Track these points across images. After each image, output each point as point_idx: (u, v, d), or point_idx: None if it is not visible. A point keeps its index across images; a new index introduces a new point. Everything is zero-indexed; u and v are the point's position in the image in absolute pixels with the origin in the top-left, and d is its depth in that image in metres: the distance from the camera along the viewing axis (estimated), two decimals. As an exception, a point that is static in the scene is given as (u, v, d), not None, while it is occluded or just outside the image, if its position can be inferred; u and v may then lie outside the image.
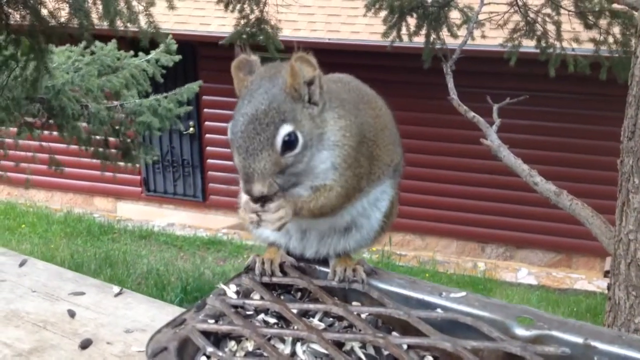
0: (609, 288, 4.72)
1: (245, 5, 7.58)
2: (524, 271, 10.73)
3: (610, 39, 7.24)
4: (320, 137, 1.31)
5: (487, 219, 10.80)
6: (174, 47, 7.36)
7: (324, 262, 1.50)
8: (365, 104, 1.48)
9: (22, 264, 2.10)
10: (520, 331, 1.21)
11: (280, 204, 1.30)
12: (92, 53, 7.54)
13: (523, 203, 10.23)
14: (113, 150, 7.77)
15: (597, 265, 10.63)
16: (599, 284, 10.15)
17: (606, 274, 10.00)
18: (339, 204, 1.37)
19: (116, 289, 1.96)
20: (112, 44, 7.70)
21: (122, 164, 7.86)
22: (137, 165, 8.83)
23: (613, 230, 4.65)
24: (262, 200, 1.29)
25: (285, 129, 1.26)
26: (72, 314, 1.84)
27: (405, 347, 1.23)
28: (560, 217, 8.08)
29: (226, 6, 7.62)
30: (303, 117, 1.28)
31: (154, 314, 1.82)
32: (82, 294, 1.93)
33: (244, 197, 1.36)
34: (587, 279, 10.46)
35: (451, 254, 11.22)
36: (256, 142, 1.25)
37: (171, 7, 6.37)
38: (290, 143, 1.26)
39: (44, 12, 5.70)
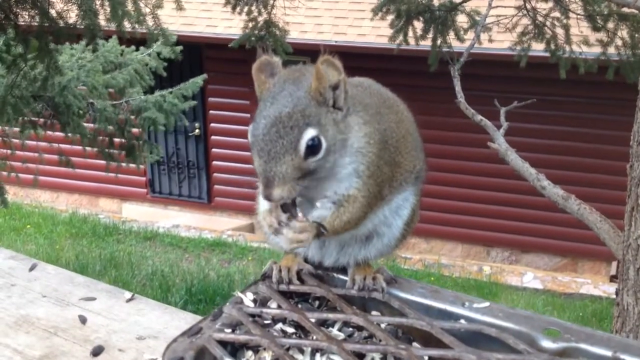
0: (617, 293, 4.68)
1: (253, 8, 7.56)
2: (529, 275, 10.68)
3: (619, 41, 7.22)
4: (344, 143, 1.28)
5: (492, 222, 10.77)
6: (174, 38, 7.30)
7: (343, 269, 1.47)
8: (387, 109, 1.46)
9: (32, 268, 2.08)
10: (547, 343, 1.18)
11: (305, 227, 1.26)
12: (95, 50, 7.53)
13: (529, 207, 10.20)
14: (116, 151, 7.75)
15: (603, 270, 10.59)
16: (605, 289, 10.10)
17: (612, 278, 9.98)
18: (362, 216, 1.34)
19: (128, 294, 1.94)
20: (113, 40, 7.69)
21: (126, 164, 7.84)
22: (142, 166, 8.82)
23: (622, 235, 4.62)
24: (283, 208, 1.27)
25: (310, 133, 1.22)
26: (83, 319, 1.82)
27: (426, 358, 1.20)
28: (566, 221, 8.05)
29: (233, 8, 7.60)
30: (327, 121, 1.25)
31: (166, 321, 1.80)
32: (93, 299, 1.91)
33: (265, 203, 1.32)
34: (593, 284, 10.41)
35: (456, 258, 11.18)
36: (279, 145, 1.22)
37: (179, 8, 6.35)
38: (314, 148, 1.23)
39: (52, 12, 5.69)
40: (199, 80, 8.08)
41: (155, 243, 11.20)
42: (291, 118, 1.22)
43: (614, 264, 9.77)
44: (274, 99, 1.25)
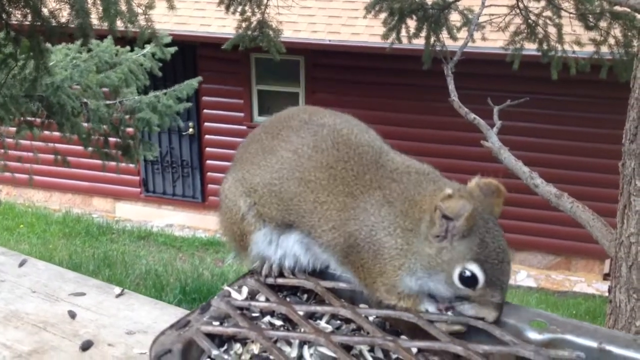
0: (609, 291, 4.70)
1: (247, 8, 7.55)
2: (523, 273, 10.72)
3: (612, 40, 7.24)
4: None
5: (486, 221, 10.77)
6: (167, 40, 7.30)
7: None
8: None
9: (21, 264, 2.07)
10: (533, 335, 1.18)
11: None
12: (89, 50, 7.53)
13: (522, 205, 10.21)
14: (113, 150, 7.74)
15: (597, 268, 10.62)
16: (598, 287, 10.15)
17: (605, 276, 10.02)
18: None
19: (117, 289, 1.94)
20: (109, 40, 7.69)
21: (122, 163, 7.84)
22: (137, 165, 8.84)
23: (614, 233, 4.63)
24: None
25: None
26: (72, 315, 1.81)
27: (415, 350, 1.20)
28: (559, 219, 8.06)
29: (227, 8, 7.59)
30: None
31: (156, 315, 1.80)
32: (83, 294, 1.91)
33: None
34: (587, 282, 10.46)
35: (450, 257, 11.18)
36: (509, 272, 1.26)
37: (171, 7, 6.34)
38: None
39: (45, 11, 5.68)
40: (193, 82, 8.08)
41: (149, 242, 11.20)
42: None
43: (608, 261, 9.81)
44: (494, 234, 1.25)
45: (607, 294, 5.37)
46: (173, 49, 7.53)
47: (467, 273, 1.21)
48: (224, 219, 1.50)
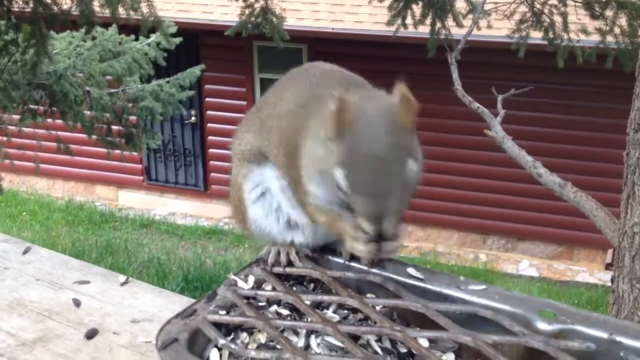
0: (612, 281, 4.69)
1: (251, -6, 7.51)
2: (525, 263, 10.72)
3: (617, 30, 7.19)
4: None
5: (489, 210, 10.77)
6: (173, 29, 7.28)
7: (335, 251, 1.46)
8: None
9: (25, 252, 2.07)
10: (543, 325, 1.17)
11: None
12: (94, 38, 7.50)
13: (525, 195, 10.21)
14: (116, 138, 7.73)
15: (599, 258, 10.62)
16: (601, 277, 10.15)
17: (608, 266, 10.02)
18: None
19: (122, 278, 1.93)
20: (113, 28, 7.66)
21: (125, 151, 7.83)
22: (139, 153, 8.82)
23: (617, 222, 4.61)
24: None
25: (411, 165, 1.19)
26: (77, 303, 1.81)
27: (426, 344, 1.19)
28: (562, 209, 8.04)
29: (231, -6, 7.56)
30: (415, 147, 1.24)
31: (160, 304, 1.79)
32: (88, 282, 1.90)
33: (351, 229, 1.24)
34: (589, 272, 10.45)
35: (452, 246, 11.20)
36: (387, 182, 1.17)
37: None
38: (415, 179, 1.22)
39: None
40: (196, 70, 8.05)
41: (151, 230, 11.22)
42: (395, 153, 1.18)
43: (610, 251, 9.81)
44: (368, 135, 1.18)
45: (609, 284, 5.36)
46: (178, 40, 7.49)
47: (337, 177, 1.17)
48: (229, 194, 1.55)
